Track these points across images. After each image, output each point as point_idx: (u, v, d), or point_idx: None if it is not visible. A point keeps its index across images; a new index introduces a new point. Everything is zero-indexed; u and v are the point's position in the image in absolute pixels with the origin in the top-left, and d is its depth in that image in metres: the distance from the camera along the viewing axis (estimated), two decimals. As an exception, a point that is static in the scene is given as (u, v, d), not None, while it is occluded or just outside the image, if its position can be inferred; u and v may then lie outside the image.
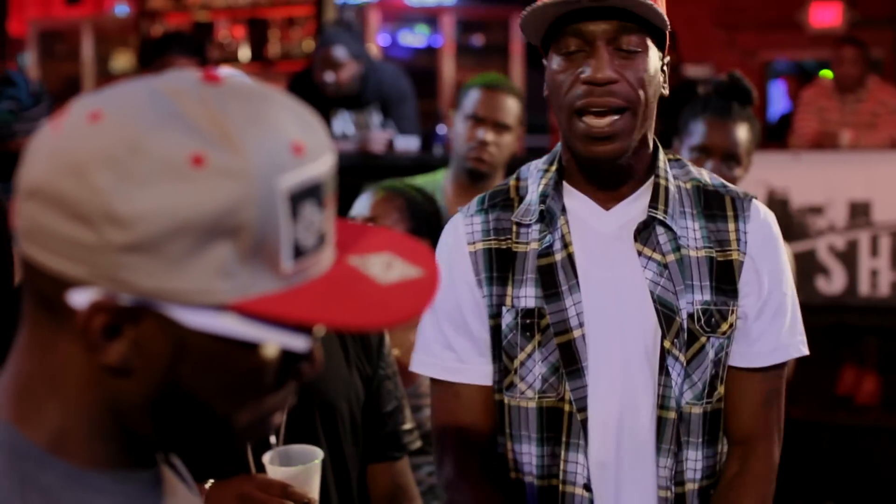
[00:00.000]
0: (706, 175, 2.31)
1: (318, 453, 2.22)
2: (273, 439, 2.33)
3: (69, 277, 1.00)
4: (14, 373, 1.09)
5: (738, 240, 2.22)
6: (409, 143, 6.45)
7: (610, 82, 2.09)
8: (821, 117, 7.40)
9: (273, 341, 1.05)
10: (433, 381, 2.34)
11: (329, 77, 6.07)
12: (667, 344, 2.16)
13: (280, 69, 10.51)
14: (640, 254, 2.19)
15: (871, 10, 10.81)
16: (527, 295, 2.21)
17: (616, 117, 2.11)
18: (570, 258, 2.20)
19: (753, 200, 2.28)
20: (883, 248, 5.98)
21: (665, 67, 2.21)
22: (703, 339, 2.19)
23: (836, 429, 6.21)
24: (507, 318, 2.22)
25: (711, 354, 2.20)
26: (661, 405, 2.18)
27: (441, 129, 7.34)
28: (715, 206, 2.24)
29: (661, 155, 2.27)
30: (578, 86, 2.11)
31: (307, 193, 1.03)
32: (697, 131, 3.43)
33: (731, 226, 2.23)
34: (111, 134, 0.99)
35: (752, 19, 11.57)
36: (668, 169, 2.26)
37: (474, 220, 2.28)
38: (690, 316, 2.18)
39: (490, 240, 2.25)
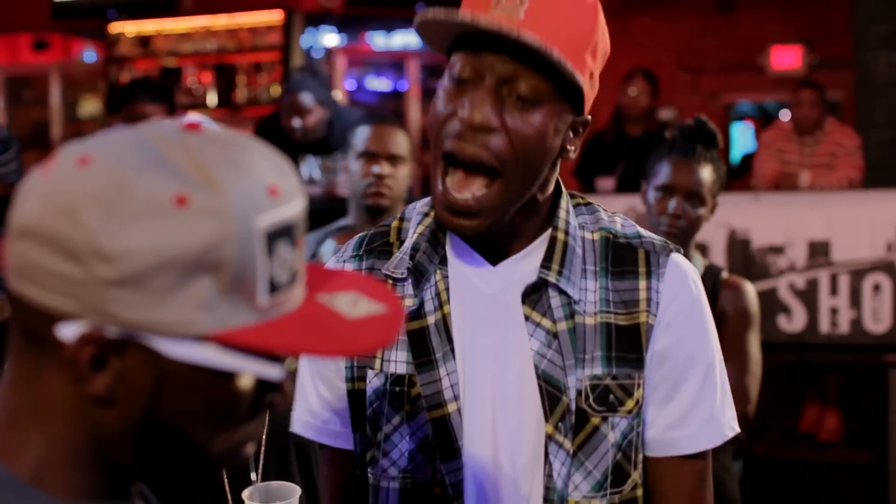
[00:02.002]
0: (620, 223, 1.93)
1: (296, 490, 2.25)
2: (253, 476, 2.37)
3: (58, 312, 1.06)
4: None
5: (648, 300, 1.85)
6: (375, 187, 6.49)
7: (485, 129, 1.72)
8: (780, 159, 7.50)
9: (249, 371, 1.11)
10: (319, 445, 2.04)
11: (296, 122, 6.11)
12: (548, 428, 1.81)
13: (247, 114, 10.57)
14: (527, 318, 1.83)
15: (830, 53, 10.96)
16: (397, 359, 1.86)
17: (482, 182, 1.75)
18: (444, 320, 1.85)
19: (672, 254, 1.89)
20: (842, 287, 6.06)
21: (578, 129, 1.83)
22: (597, 419, 1.82)
23: (799, 465, 6.26)
24: (374, 384, 1.88)
25: (614, 437, 1.84)
26: (546, 497, 1.82)
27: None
28: (624, 262, 1.88)
29: (565, 202, 1.90)
30: (453, 121, 1.74)
31: (282, 233, 1.11)
32: (662, 171, 3.49)
33: (642, 283, 1.86)
34: (100, 176, 1.05)
35: (715, 62, 11.72)
36: (571, 219, 1.89)
37: (346, 267, 1.94)
38: (579, 393, 1.81)
39: None
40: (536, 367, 1.81)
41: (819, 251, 6.10)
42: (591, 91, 1.81)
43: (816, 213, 6.17)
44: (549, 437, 1.81)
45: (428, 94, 11.61)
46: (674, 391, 1.87)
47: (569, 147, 1.82)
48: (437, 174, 1.78)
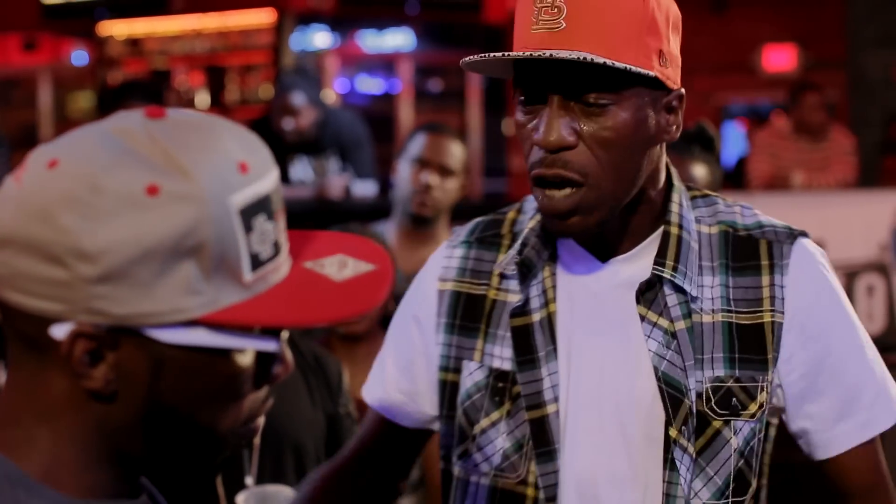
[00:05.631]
0: (740, 214, 1.86)
1: (291, 494, 2.24)
2: (248, 480, 2.37)
3: (49, 314, 1.06)
4: (2, 408, 1.14)
5: (772, 297, 1.78)
6: (366, 189, 6.48)
7: (562, 148, 1.68)
8: (775, 159, 7.48)
9: (245, 346, 1.12)
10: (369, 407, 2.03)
11: (287, 124, 6.10)
12: (672, 432, 1.75)
13: (238, 115, 10.54)
14: (643, 318, 1.78)
15: (824, 53, 10.96)
16: (503, 355, 1.84)
17: (573, 189, 1.70)
18: (549, 318, 1.81)
19: (797, 243, 1.81)
20: (836, 288, 6.04)
21: (672, 105, 1.79)
22: (718, 423, 1.76)
23: (793, 468, 6.23)
24: (476, 376, 1.85)
25: (737, 442, 1.77)
26: None
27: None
28: (746, 256, 1.81)
29: (677, 196, 1.83)
30: (534, 148, 1.71)
31: (257, 208, 1.11)
32: (657, 167, 3.51)
33: (765, 279, 1.79)
34: (70, 177, 1.06)
35: (708, 63, 11.72)
36: (686, 213, 1.83)
37: (454, 253, 1.92)
38: (700, 396, 1.76)
39: (463, 281, 1.89)
40: (656, 369, 1.77)
41: (813, 252, 6.08)
42: (668, 67, 1.76)
43: (809, 213, 6.15)
44: (674, 442, 1.76)
45: (421, 96, 11.60)
46: (829, 384, 1.80)
47: (669, 127, 1.78)
48: (534, 191, 1.74)
